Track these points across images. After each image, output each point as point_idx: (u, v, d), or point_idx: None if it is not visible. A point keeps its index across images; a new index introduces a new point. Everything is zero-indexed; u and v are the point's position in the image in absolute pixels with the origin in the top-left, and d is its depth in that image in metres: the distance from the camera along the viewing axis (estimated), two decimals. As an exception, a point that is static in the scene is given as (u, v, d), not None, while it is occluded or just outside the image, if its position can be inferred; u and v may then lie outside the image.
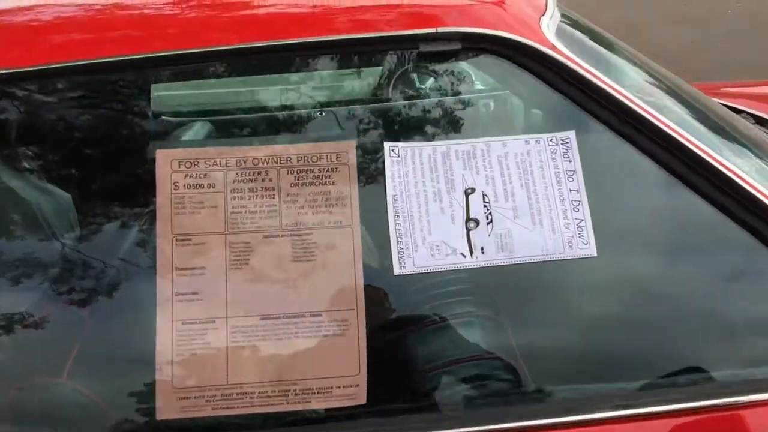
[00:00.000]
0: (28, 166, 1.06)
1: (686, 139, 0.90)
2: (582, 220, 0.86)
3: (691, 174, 0.89)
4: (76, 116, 1.02)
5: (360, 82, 1.23)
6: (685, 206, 0.91)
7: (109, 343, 0.99)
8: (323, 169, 0.91)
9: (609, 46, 1.15)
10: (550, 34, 0.96)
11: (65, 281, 1.01)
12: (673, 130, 0.91)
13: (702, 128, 1.00)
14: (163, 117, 1.34)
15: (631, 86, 0.97)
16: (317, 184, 0.90)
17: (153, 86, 1.13)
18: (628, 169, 0.92)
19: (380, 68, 1.20)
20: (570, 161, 0.88)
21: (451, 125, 1.08)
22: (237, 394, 0.86)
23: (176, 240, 0.88)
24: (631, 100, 0.91)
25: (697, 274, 0.91)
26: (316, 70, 1.07)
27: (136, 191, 1.01)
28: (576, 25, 1.12)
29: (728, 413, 0.86)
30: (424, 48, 0.95)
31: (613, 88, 0.92)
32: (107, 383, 0.95)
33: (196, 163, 0.90)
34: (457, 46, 0.94)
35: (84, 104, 1.01)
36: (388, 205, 0.88)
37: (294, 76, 1.20)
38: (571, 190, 0.87)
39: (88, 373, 0.97)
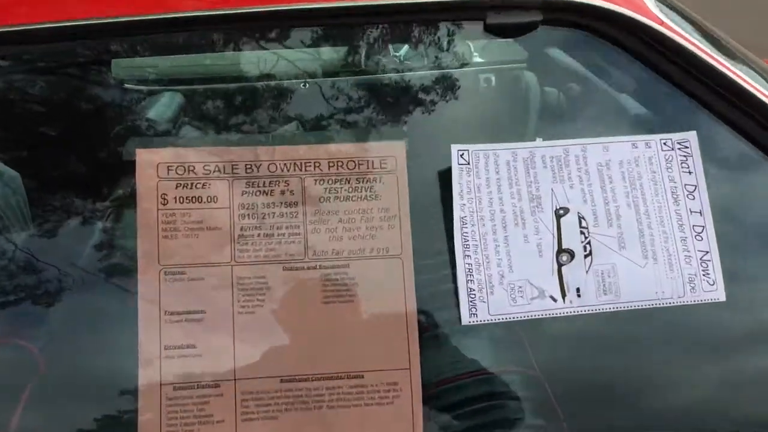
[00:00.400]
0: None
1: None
2: (707, 252, 0.65)
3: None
4: (24, 82, 0.78)
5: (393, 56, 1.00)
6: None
7: (77, 383, 0.76)
8: (363, 178, 0.68)
9: (704, 27, 0.93)
10: (652, 5, 0.74)
11: (11, 299, 0.77)
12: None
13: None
14: (126, 85, 1.09)
15: (749, 77, 0.76)
16: (355, 198, 0.68)
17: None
18: (761, 183, 0.72)
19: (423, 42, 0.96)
20: (690, 173, 0.67)
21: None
22: (249, 484, 0.64)
23: (165, 273, 0.65)
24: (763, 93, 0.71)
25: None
26: (345, 42, 0.83)
27: (97, 173, 0.79)
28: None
29: None
30: (493, 19, 0.72)
31: (740, 77, 0.71)
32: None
33: (191, 168, 0.67)
34: (537, 17, 0.72)
35: (33, 69, 0.78)
36: (454, 230, 0.66)
37: (315, 50, 0.96)
38: (692, 212, 0.66)
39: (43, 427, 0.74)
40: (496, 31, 0.73)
